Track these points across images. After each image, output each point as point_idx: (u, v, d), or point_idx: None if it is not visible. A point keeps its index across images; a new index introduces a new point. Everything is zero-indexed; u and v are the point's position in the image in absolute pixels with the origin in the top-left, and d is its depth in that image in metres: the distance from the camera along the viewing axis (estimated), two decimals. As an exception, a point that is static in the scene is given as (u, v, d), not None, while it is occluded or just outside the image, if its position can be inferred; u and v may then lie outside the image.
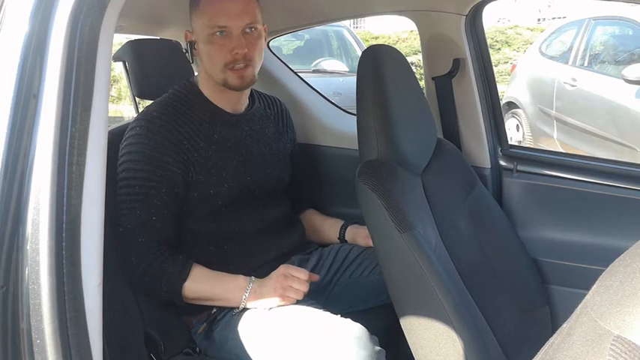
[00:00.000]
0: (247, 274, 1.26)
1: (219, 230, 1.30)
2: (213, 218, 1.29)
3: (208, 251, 1.30)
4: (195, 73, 1.87)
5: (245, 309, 1.23)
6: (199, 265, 1.24)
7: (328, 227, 1.54)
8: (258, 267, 1.31)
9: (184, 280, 1.20)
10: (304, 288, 1.20)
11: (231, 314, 1.25)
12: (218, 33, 1.22)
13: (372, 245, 1.35)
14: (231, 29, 1.22)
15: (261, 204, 1.36)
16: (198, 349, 1.31)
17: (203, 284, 1.23)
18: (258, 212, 1.35)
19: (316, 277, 1.25)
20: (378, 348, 1.13)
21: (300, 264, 1.39)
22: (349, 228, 1.52)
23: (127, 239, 1.20)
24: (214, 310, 1.28)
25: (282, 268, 1.22)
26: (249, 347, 1.20)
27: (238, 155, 1.32)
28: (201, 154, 1.26)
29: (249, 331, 1.21)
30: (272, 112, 1.49)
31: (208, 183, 1.27)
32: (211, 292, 1.23)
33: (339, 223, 1.54)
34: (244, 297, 1.21)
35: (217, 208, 1.29)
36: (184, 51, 1.86)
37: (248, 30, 1.24)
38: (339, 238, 1.52)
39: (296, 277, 1.20)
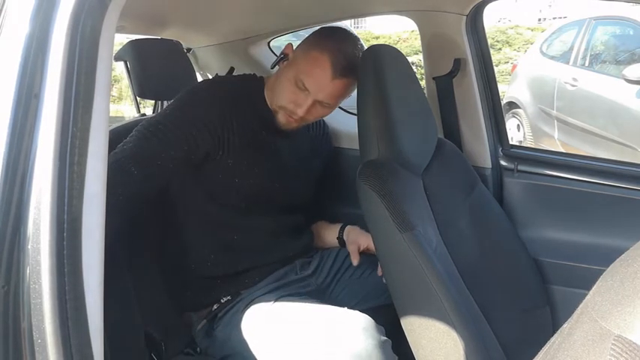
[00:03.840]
0: (248, 269, 1.28)
1: (231, 220, 1.31)
2: (228, 207, 1.30)
3: (216, 236, 1.31)
4: (200, 78, 1.88)
5: (247, 308, 1.23)
6: None
7: (329, 233, 1.53)
8: (263, 265, 1.32)
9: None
10: None
11: (232, 312, 1.25)
12: (300, 84, 1.24)
13: (371, 251, 1.36)
14: (309, 94, 1.24)
15: (277, 210, 1.38)
16: (198, 349, 1.31)
17: None
18: (272, 216, 1.36)
19: None
20: (384, 338, 1.13)
21: (302, 267, 1.40)
22: (347, 227, 1.50)
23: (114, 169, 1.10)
24: (215, 307, 1.28)
25: None
26: (254, 343, 1.20)
27: (272, 163, 1.34)
28: (242, 142, 1.27)
29: (253, 327, 1.21)
30: (314, 132, 1.53)
31: (235, 170, 1.27)
32: None
33: (339, 225, 1.53)
34: None
35: (234, 199, 1.30)
36: (185, 51, 1.87)
37: (325, 103, 1.26)
38: (337, 238, 1.51)
39: None
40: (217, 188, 1.28)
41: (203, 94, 1.27)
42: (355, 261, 1.39)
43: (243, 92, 1.32)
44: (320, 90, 1.23)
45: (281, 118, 1.30)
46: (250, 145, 1.29)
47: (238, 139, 1.27)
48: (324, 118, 1.56)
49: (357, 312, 1.16)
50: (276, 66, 1.37)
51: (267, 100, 1.34)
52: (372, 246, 1.36)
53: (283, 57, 1.32)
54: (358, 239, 1.42)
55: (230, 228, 1.31)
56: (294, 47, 1.31)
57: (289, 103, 1.26)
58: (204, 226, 1.31)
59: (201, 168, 1.26)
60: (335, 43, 1.24)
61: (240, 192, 1.29)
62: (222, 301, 1.29)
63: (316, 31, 1.31)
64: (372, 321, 1.14)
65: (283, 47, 1.34)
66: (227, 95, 1.28)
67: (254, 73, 1.42)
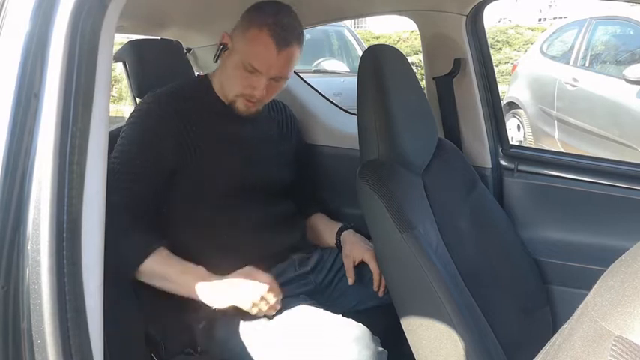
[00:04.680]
0: (244, 267, 1.27)
1: (218, 219, 1.31)
2: (213, 206, 1.31)
3: (206, 238, 1.31)
4: (196, 73, 1.88)
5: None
6: (165, 249, 1.21)
7: (327, 234, 1.51)
8: (258, 262, 1.31)
9: (147, 255, 1.16)
10: (277, 306, 1.17)
11: (231, 313, 1.25)
12: (249, 68, 1.24)
13: (366, 262, 1.35)
14: (261, 74, 1.24)
15: (260, 200, 1.37)
16: (199, 349, 1.31)
17: (162, 265, 1.18)
18: (258, 208, 1.36)
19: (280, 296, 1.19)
20: (380, 348, 1.13)
21: (301, 263, 1.39)
22: (344, 234, 1.46)
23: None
24: (214, 308, 1.28)
25: (251, 273, 1.18)
26: (251, 347, 1.20)
27: (242, 151, 1.35)
28: (204, 143, 1.28)
29: (251, 330, 1.21)
30: (276, 115, 1.52)
31: (208, 169, 1.28)
32: (166, 271, 1.19)
33: (337, 228, 1.49)
34: (203, 288, 1.17)
35: (217, 197, 1.30)
36: (185, 51, 1.86)
37: (278, 77, 1.27)
38: (336, 244, 1.48)
39: (266, 288, 1.15)
40: (196, 190, 1.29)
41: (149, 113, 1.26)
42: (350, 280, 1.37)
43: (190, 96, 1.32)
44: (270, 67, 1.24)
45: (240, 105, 1.31)
46: (214, 142, 1.29)
47: (199, 141, 1.27)
48: (292, 110, 1.59)
49: (352, 321, 1.14)
50: (219, 59, 1.35)
51: (218, 94, 1.34)
52: (366, 258, 1.35)
53: (223, 47, 1.32)
54: (352, 252, 1.39)
55: (218, 227, 1.31)
56: (230, 34, 1.30)
57: (245, 89, 1.27)
58: (194, 229, 1.30)
59: (175, 176, 1.27)
60: (269, 16, 1.23)
61: (218, 188, 1.30)
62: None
63: (246, 11, 1.29)
64: (368, 331, 1.13)
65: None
66: (173, 105, 1.28)
67: (198, 74, 1.41)
